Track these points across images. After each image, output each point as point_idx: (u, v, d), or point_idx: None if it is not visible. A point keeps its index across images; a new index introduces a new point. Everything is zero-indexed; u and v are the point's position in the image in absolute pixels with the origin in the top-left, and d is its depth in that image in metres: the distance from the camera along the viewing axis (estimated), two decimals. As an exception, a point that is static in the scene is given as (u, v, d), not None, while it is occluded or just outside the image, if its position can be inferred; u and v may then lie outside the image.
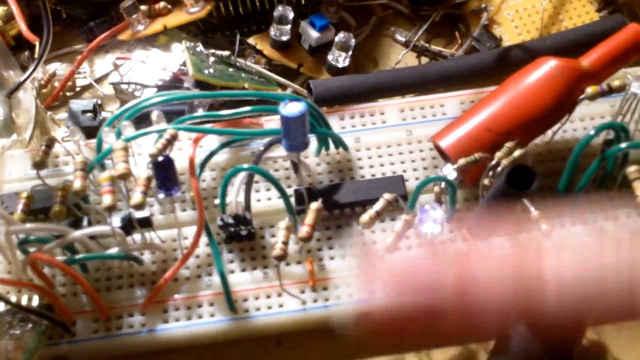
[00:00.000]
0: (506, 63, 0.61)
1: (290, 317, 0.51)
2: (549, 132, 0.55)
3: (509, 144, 0.51)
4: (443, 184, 0.51)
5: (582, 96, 0.52)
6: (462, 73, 0.61)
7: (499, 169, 0.50)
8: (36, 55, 0.61)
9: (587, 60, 0.54)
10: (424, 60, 0.67)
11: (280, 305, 0.52)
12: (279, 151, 0.54)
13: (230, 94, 0.56)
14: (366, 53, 0.67)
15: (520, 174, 0.44)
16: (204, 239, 0.53)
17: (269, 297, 0.52)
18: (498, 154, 0.51)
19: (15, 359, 0.48)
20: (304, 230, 0.48)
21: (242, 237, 0.53)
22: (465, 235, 0.53)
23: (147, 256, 0.53)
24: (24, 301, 0.51)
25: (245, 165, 0.51)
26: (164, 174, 0.49)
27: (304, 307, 0.52)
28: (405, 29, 0.67)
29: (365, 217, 0.48)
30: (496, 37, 0.65)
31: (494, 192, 0.46)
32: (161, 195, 0.50)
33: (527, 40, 0.65)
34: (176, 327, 0.51)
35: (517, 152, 0.51)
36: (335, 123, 0.58)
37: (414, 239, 0.53)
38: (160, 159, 0.49)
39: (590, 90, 0.52)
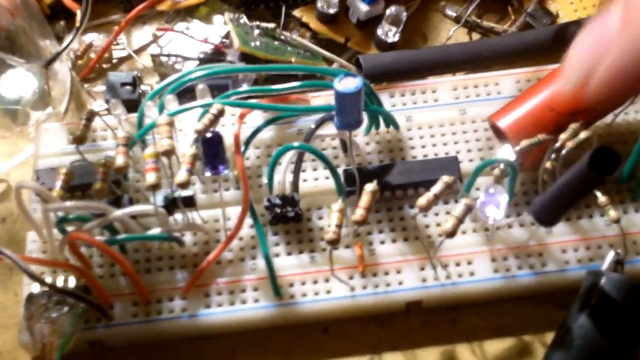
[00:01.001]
0: (563, 40, 0.58)
1: (338, 303, 0.49)
2: (610, 114, 0.52)
3: (573, 125, 0.48)
4: (502, 166, 0.49)
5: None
6: (517, 50, 0.59)
7: (564, 152, 0.47)
8: (77, 25, 0.59)
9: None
10: (475, 36, 0.64)
11: (328, 292, 0.49)
12: (329, 129, 0.52)
13: (280, 68, 0.54)
14: (415, 28, 0.64)
15: (600, 157, 0.41)
16: (248, 221, 0.51)
17: (315, 282, 0.50)
18: (562, 136, 0.48)
19: (51, 343, 0.45)
20: (358, 213, 0.46)
21: (288, 218, 0.50)
22: (526, 222, 0.50)
23: (188, 237, 0.51)
24: (60, 283, 0.49)
25: (296, 144, 0.49)
26: (213, 150, 0.47)
27: (353, 294, 0.49)
28: (455, 4, 0.64)
29: (423, 200, 0.45)
30: (552, 13, 0.62)
31: (570, 175, 0.43)
32: (208, 174, 0.47)
33: (584, 16, 0.62)
34: (219, 313, 0.49)
35: (583, 134, 0.48)
36: (386, 100, 0.56)
37: (468, 223, 0.51)
38: (208, 135, 0.46)
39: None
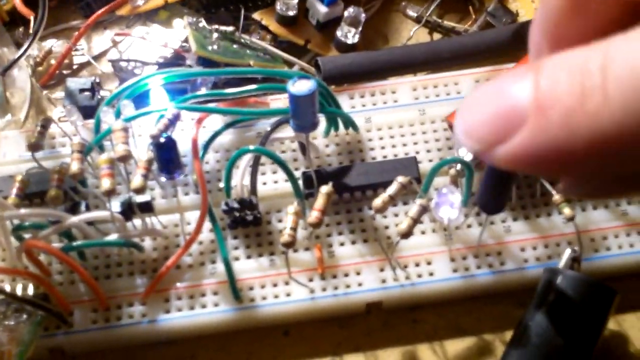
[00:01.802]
0: (523, 39, 0.58)
1: (298, 306, 0.49)
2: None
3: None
4: (459, 166, 0.49)
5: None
6: (478, 50, 0.59)
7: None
8: (31, 31, 0.59)
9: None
10: (437, 36, 0.64)
11: (288, 294, 0.49)
12: (287, 132, 0.52)
13: (236, 72, 0.54)
14: (376, 29, 0.64)
15: None
16: (207, 225, 0.51)
17: (275, 285, 0.50)
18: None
19: (9, 351, 0.45)
20: (313, 215, 0.45)
21: (247, 222, 0.50)
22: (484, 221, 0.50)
23: (147, 242, 0.51)
24: (19, 290, 0.48)
25: (251, 147, 0.48)
26: (167, 155, 0.47)
27: (313, 296, 0.49)
28: (416, 4, 0.64)
29: (378, 202, 0.45)
30: (512, 12, 0.63)
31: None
32: (163, 179, 0.47)
33: (545, 15, 0.62)
34: (179, 317, 0.49)
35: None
36: (345, 102, 0.56)
37: (427, 223, 0.51)
38: (162, 140, 0.46)
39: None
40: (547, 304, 0.45)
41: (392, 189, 0.46)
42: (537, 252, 0.50)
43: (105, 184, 0.45)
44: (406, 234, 0.45)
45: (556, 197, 0.48)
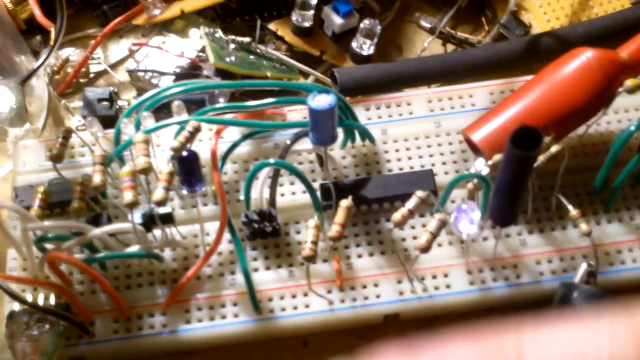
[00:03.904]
0: (537, 52, 0.59)
1: (316, 317, 0.50)
2: (583, 126, 0.53)
3: (545, 139, 0.49)
4: (476, 180, 0.49)
5: (620, 89, 0.50)
6: (491, 62, 0.59)
7: (536, 165, 0.48)
8: (51, 42, 0.59)
9: (626, 51, 0.52)
10: (450, 47, 0.64)
11: (307, 306, 0.50)
12: (304, 143, 0.52)
13: (254, 84, 0.54)
14: (390, 40, 0.65)
15: (523, 137, 0.41)
16: (226, 236, 0.51)
17: (294, 296, 0.50)
18: (535, 150, 0.49)
19: (33, 362, 0.46)
20: (334, 229, 0.46)
21: (266, 233, 0.51)
22: (500, 234, 0.51)
23: (167, 253, 0.51)
24: (41, 300, 0.49)
25: (271, 160, 0.49)
26: (189, 169, 0.47)
27: (331, 308, 0.50)
28: (430, 15, 0.65)
29: (397, 216, 0.46)
30: (525, 24, 0.63)
31: (503, 165, 0.42)
32: (184, 192, 0.48)
33: (557, 27, 0.62)
34: (199, 328, 0.49)
35: (555, 148, 0.49)
36: (361, 114, 0.56)
37: (444, 236, 0.51)
38: (184, 153, 0.47)
39: (629, 83, 0.50)
40: (564, 318, 0.45)
41: (411, 203, 0.46)
42: (552, 265, 0.50)
43: (128, 196, 0.45)
44: (425, 249, 0.45)
45: (573, 212, 0.48)
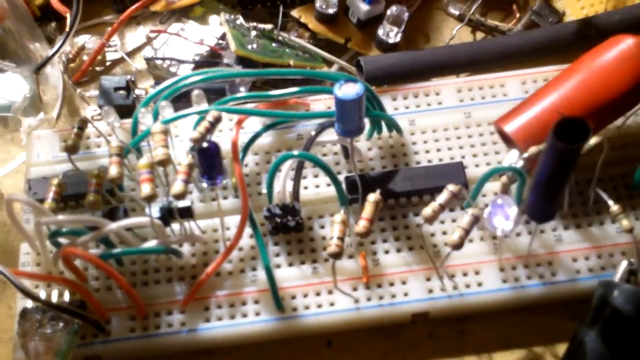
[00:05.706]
0: (571, 40, 0.57)
1: (341, 316, 0.48)
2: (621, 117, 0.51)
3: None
4: (510, 174, 0.47)
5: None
6: (523, 50, 0.57)
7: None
8: (67, 29, 0.57)
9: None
10: (479, 35, 0.62)
11: (331, 304, 0.48)
12: (329, 134, 0.50)
13: (278, 72, 0.53)
14: (417, 27, 0.62)
15: (567, 129, 0.38)
16: (247, 230, 0.49)
17: (318, 294, 0.48)
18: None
19: (47, 362, 0.44)
20: (361, 225, 0.44)
21: (289, 228, 0.49)
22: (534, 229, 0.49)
23: (186, 248, 0.50)
24: (54, 297, 0.47)
25: (295, 152, 0.47)
26: (209, 161, 0.45)
27: (357, 306, 0.48)
28: (459, 1, 0.63)
29: (428, 211, 0.44)
30: (558, 11, 0.61)
31: (544, 158, 0.40)
32: (204, 184, 0.46)
33: (591, 14, 0.60)
34: (219, 327, 0.47)
35: (593, 140, 0.46)
36: (388, 104, 0.54)
37: (476, 231, 0.49)
38: (204, 144, 0.45)
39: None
40: (603, 319, 0.43)
41: (442, 198, 0.44)
42: (589, 263, 0.48)
43: (146, 189, 0.43)
44: (458, 245, 0.43)
45: (614, 207, 0.46)
